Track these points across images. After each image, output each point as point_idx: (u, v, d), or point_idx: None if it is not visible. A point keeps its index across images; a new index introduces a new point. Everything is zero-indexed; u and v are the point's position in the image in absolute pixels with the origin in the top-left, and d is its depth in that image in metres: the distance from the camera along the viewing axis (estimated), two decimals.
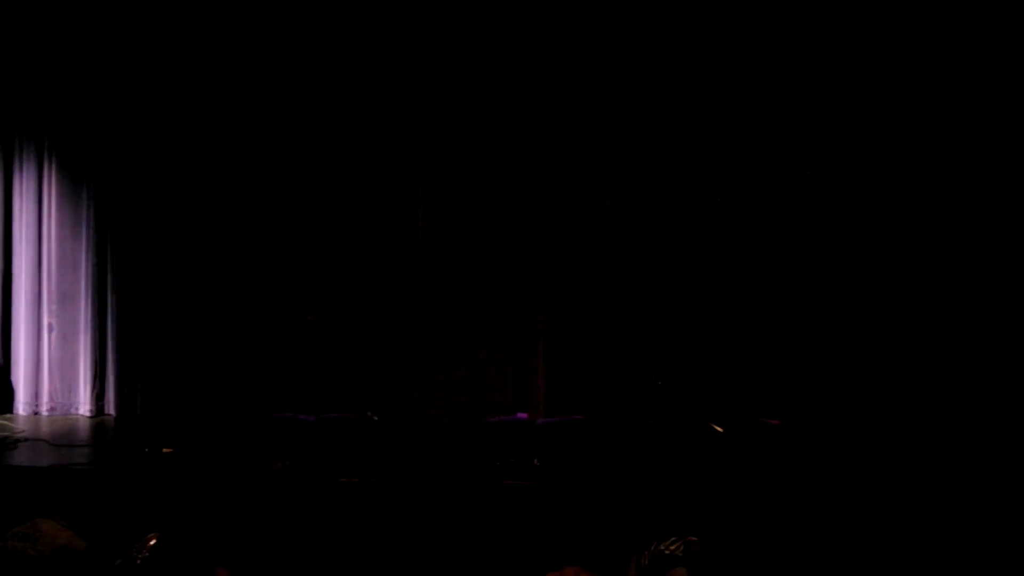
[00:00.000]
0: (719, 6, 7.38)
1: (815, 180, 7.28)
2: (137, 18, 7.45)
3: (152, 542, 2.45)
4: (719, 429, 6.46)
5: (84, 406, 7.56)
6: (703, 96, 7.43)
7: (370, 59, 7.56)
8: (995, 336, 7.10)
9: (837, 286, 7.31)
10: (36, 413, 7.50)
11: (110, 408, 7.56)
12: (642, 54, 7.49)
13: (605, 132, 7.58)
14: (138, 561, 2.42)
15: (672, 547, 2.62)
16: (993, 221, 7.20)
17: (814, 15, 7.30)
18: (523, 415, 7.53)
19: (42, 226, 7.59)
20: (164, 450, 5.96)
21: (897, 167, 7.28)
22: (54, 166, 7.60)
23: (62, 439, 6.45)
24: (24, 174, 7.59)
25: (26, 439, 6.44)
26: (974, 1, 7.16)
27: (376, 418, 7.11)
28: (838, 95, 7.32)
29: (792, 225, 7.34)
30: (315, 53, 7.53)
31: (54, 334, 7.56)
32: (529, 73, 7.55)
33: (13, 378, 7.54)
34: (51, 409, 7.52)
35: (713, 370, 7.31)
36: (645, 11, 7.45)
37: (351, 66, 7.57)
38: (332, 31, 7.53)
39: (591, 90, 7.55)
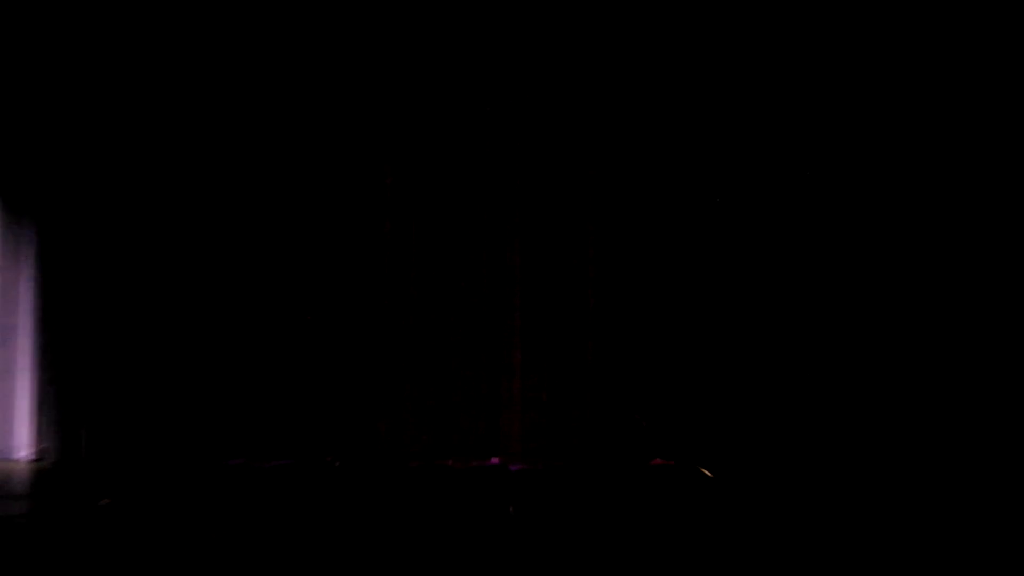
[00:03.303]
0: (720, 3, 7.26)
1: (799, 206, 7.05)
2: (82, 47, 7.31)
3: None
4: (708, 474, 6.15)
5: (22, 450, 7.24)
6: (698, 109, 7.22)
7: (326, 90, 7.37)
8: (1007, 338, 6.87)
9: (833, 313, 7.01)
10: None
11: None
12: (636, 52, 7.28)
13: (585, 156, 7.35)
14: None
15: None
16: (994, 225, 7.00)
17: (813, 14, 7.17)
18: (496, 460, 7.25)
19: None
20: (102, 501, 5.63)
21: (897, 168, 7.08)
22: None
23: None
24: None
25: None
26: (974, 1, 7.11)
27: (338, 464, 6.82)
28: (837, 95, 7.14)
29: (779, 255, 7.09)
30: (264, 84, 7.34)
31: None
32: (503, 72, 7.35)
33: None
34: None
35: (703, 408, 7.00)
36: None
37: (301, 102, 7.37)
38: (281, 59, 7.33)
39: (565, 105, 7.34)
